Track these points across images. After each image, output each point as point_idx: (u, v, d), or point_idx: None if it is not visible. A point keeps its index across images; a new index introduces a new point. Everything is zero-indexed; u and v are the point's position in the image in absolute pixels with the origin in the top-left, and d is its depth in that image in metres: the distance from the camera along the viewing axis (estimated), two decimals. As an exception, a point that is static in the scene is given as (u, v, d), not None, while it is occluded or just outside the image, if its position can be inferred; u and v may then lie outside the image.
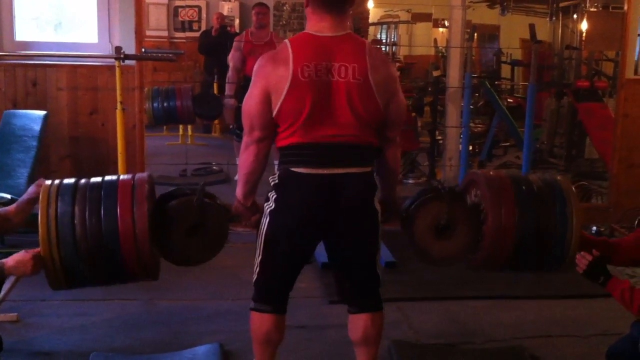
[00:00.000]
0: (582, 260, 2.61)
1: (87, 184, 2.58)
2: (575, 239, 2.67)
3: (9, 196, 3.79)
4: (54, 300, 3.61)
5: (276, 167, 2.63)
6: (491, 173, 2.81)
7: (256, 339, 2.68)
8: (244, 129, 2.63)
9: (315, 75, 2.51)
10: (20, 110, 4.62)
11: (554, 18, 9.78)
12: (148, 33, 8.59)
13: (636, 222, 5.09)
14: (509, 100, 9.55)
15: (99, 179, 2.62)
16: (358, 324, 2.70)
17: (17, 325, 3.38)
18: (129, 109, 4.62)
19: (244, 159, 2.63)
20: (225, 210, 2.76)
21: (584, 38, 8.44)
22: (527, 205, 2.68)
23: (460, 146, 6.44)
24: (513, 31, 11.12)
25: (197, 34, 9.60)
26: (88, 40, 5.04)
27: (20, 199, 2.84)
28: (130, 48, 4.67)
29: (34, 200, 2.69)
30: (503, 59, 10.52)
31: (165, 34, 9.78)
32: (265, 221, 2.60)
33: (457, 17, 6.65)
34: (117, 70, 4.27)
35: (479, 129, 8.35)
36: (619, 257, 2.84)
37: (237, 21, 9.80)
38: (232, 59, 6.58)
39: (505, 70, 10.68)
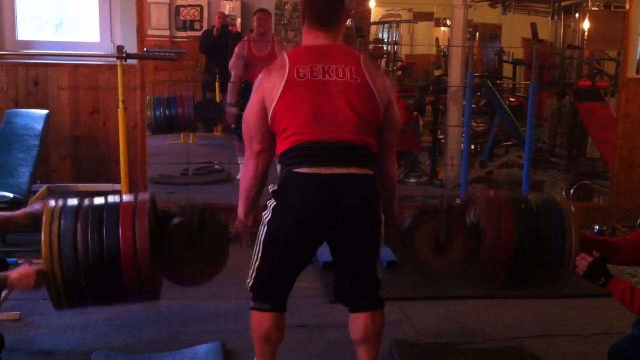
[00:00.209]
0: (582, 261, 2.61)
1: (90, 203, 2.61)
2: (573, 255, 2.68)
3: (11, 195, 3.79)
4: (55, 299, 3.61)
5: (278, 170, 2.64)
6: (490, 193, 2.83)
7: (256, 337, 2.69)
8: (244, 142, 2.68)
9: (311, 76, 2.54)
10: (22, 110, 4.63)
11: (555, 17, 9.77)
12: (149, 32, 8.57)
13: (638, 221, 5.10)
14: (510, 99, 9.53)
15: (102, 199, 2.65)
16: (358, 323, 2.70)
17: (18, 323, 3.39)
18: (130, 108, 4.63)
19: (244, 174, 2.71)
20: (226, 230, 2.77)
21: (585, 37, 8.43)
22: (525, 222, 2.70)
23: (462, 145, 6.44)
24: (514, 30, 11.10)
25: (198, 34, 9.61)
26: (89, 39, 5.05)
27: (27, 210, 2.87)
28: (131, 47, 4.67)
29: (39, 215, 2.70)
30: (504, 58, 10.51)
31: (166, 33, 9.78)
32: (262, 229, 2.58)
33: (459, 16, 6.65)
34: (119, 69, 4.28)
35: (481, 128, 8.34)
36: (619, 257, 2.84)
37: (238, 20, 9.80)
38: (233, 67, 6.58)
39: (507, 70, 10.67)
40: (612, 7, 8.22)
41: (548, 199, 2.81)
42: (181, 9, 9.89)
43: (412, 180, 7.04)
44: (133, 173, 4.73)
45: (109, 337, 3.33)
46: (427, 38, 12.72)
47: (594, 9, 8.65)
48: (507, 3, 10.29)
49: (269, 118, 2.57)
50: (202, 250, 2.67)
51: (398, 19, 13.39)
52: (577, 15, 9.13)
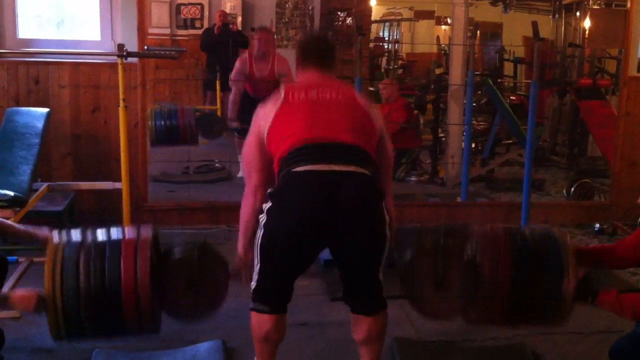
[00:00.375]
0: (568, 287, 2.63)
1: (94, 237, 2.66)
2: (571, 291, 2.68)
3: (11, 193, 3.79)
4: (56, 298, 3.61)
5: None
6: (487, 228, 2.85)
7: (256, 337, 2.68)
8: (244, 178, 2.76)
9: (306, 97, 2.65)
10: (23, 108, 4.63)
11: (556, 15, 9.76)
12: (150, 31, 8.58)
13: (639, 220, 5.09)
14: (511, 98, 9.53)
15: (105, 232, 2.69)
16: (360, 324, 2.69)
17: (19, 322, 3.38)
18: (131, 107, 4.62)
19: (243, 208, 2.74)
20: (226, 267, 2.80)
21: (586, 36, 8.44)
22: (522, 259, 2.70)
23: (463, 144, 6.44)
24: (515, 29, 11.10)
25: (199, 32, 9.60)
26: (90, 37, 5.05)
27: (30, 230, 2.97)
28: (132, 45, 4.67)
29: (42, 241, 2.78)
30: (505, 56, 10.51)
31: (167, 31, 9.77)
32: (259, 233, 2.56)
33: (460, 14, 6.65)
34: (120, 67, 4.27)
35: (481, 126, 8.34)
36: (619, 261, 2.86)
37: (239, 19, 9.79)
38: (234, 82, 6.59)
39: (508, 68, 10.67)
40: (613, 5, 8.23)
41: (545, 233, 2.83)
42: (182, 7, 9.88)
43: (412, 178, 7.04)
44: (134, 171, 4.73)
45: (110, 335, 3.33)
46: (428, 36, 12.72)
47: (595, 7, 8.65)
48: (508, 1, 10.29)
49: (266, 139, 2.63)
50: (202, 287, 2.71)
51: (399, 17, 13.39)
52: (578, 13, 9.13)
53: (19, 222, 3.77)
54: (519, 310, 2.69)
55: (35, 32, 5.17)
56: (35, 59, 4.88)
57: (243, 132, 6.74)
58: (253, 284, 2.63)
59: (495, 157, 7.55)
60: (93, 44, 4.98)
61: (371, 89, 8.70)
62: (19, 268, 3.63)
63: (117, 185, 4.45)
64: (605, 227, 5.36)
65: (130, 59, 4.40)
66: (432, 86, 8.95)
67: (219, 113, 8.89)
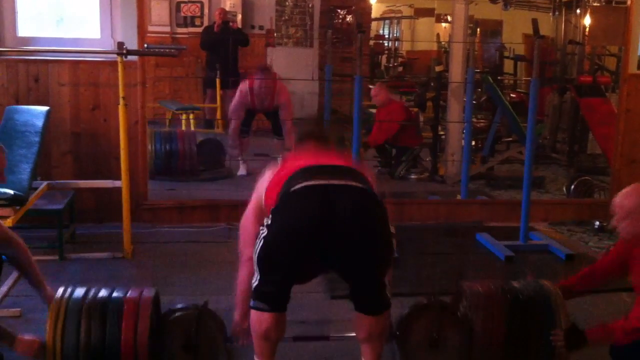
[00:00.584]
0: (558, 338, 2.71)
1: (96, 297, 2.74)
2: (565, 349, 2.74)
3: (11, 192, 3.78)
4: (56, 296, 3.61)
5: None
6: (479, 286, 2.90)
7: (256, 335, 2.68)
8: (240, 249, 2.82)
9: (305, 153, 2.79)
10: (23, 106, 4.62)
11: (556, 13, 9.75)
12: (150, 29, 8.58)
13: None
14: (511, 95, 9.53)
15: (107, 294, 2.76)
16: (363, 323, 2.68)
17: (19, 320, 3.38)
18: (131, 105, 4.62)
19: (239, 277, 2.82)
20: (223, 331, 2.87)
21: (586, 33, 8.42)
22: (512, 315, 2.77)
23: (463, 141, 6.44)
24: (516, 26, 11.10)
25: (199, 30, 9.60)
26: (90, 35, 5.04)
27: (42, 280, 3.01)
28: (132, 43, 4.67)
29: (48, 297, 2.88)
30: (505, 54, 10.51)
31: (167, 29, 9.76)
32: (259, 244, 2.56)
33: (460, 12, 6.65)
34: (119, 65, 4.27)
35: (482, 124, 8.34)
36: (600, 281, 3.00)
37: (239, 17, 9.78)
38: (233, 114, 6.65)
39: (508, 66, 10.67)
40: (613, 2, 8.23)
41: (537, 289, 2.88)
42: (182, 5, 9.88)
43: (413, 176, 7.04)
44: (134, 170, 4.73)
45: (110, 334, 3.32)
46: (428, 34, 12.72)
47: (595, 4, 8.64)
48: (508, -1, 10.27)
49: (264, 197, 2.68)
50: (200, 350, 2.77)
51: (399, 15, 13.39)
52: (578, 11, 9.12)
53: (19, 220, 3.78)
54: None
55: (35, 30, 5.16)
56: (35, 57, 4.88)
57: (244, 132, 6.79)
58: (254, 283, 2.63)
59: (495, 154, 7.55)
60: (93, 42, 4.97)
61: (371, 86, 8.69)
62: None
63: (117, 183, 4.45)
64: (605, 224, 5.35)
65: (130, 57, 4.40)
66: (432, 84, 8.95)
67: (218, 111, 8.91)
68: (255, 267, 2.60)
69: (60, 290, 2.77)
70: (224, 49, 8.43)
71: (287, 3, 10.06)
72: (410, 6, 12.89)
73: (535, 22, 9.16)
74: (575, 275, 3.03)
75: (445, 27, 11.85)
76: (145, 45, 4.97)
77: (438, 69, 8.71)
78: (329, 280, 3.80)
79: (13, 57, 4.87)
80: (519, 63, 10.61)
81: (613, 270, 2.92)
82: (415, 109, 8.18)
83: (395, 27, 13.95)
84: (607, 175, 6.42)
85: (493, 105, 8.00)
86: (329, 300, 3.78)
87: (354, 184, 2.56)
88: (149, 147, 5.82)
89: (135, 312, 2.67)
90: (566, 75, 8.73)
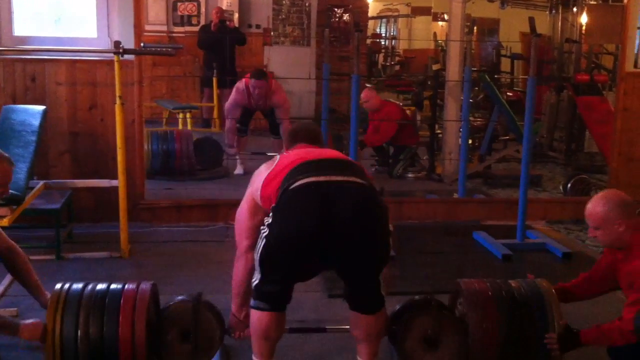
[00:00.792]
0: (551, 342, 2.71)
1: (94, 289, 2.76)
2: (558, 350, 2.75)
3: (8, 192, 3.77)
4: (53, 296, 3.60)
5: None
6: (475, 284, 2.91)
7: (255, 334, 2.68)
8: (236, 241, 2.83)
9: (299, 150, 2.79)
10: (19, 105, 4.61)
11: (553, 11, 9.77)
12: (147, 28, 8.57)
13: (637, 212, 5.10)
14: (508, 94, 9.55)
15: (105, 287, 2.78)
16: (359, 322, 2.70)
17: (16, 319, 3.37)
18: (128, 104, 4.61)
19: (235, 269, 2.84)
20: (220, 321, 2.88)
21: (583, 31, 8.44)
22: (509, 315, 2.78)
23: (460, 140, 6.44)
24: (513, 25, 11.11)
25: (196, 29, 9.59)
26: (87, 35, 5.03)
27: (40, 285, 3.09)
28: (129, 43, 4.66)
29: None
30: (503, 52, 10.52)
31: (164, 28, 9.75)
32: (260, 244, 2.57)
33: (457, 10, 6.64)
34: (116, 65, 4.26)
35: (479, 123, 8.35)
36: (597, 288, 2.98)
37: (236, 15, 9.78)
38: (229, 113, 6.65)
39: (505, 64, 10.68)
40: (610, 1, 8.24)
41: (532, 288, 2.89)
42: (178, 4, 9.87)
43: (410, 175, 7.04)
44: (131, 169, 4.73)
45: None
46: (425, 33, 12.74)
47: (592, 2, 8.66)
48: (505, -3, 10.29)
49: (261, 190, 2.67)
50: (195, 338, 2.79)
51: (396, 13, 13.39)
52: (575, 9, 9.13)
53: (16, 220, 3.77)
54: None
55: (32, 29, 5.15)
56: (32, 56, 4.87)
57: (241, 131, 6.79)
58: (255, 282, 2.64)
59: (492, 153, 7.55)
60: (89, 41, 4.96)
61: (368, 85, 8.70)
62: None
63: (114, 182, 4.44)
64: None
65: (126, 56, 4.39)
66: (430, 82, 8.96)
67: (216, 110, 8.91)
68: (257, 267, 2.61)
69: (59, 284, 2.78)
70: (221, 48, 8.41)
71: (284, 2, 10.06)
72: (407, 5, 12.90)
73: (532, 21, 9.16)
74: (576, 279, 3.02)
75: (442, 26, 11.86)
76: (142, 44, 4.96)
77: (435, 67, 8.73)
78: (327, 279, 3.80)
79: (10, 56, 4.86)
80: (516, 61, 10.62)
81: (607, 279, 2.91)
82: (413, 108, 8.17)
83: (392, 26, 13.95)
84: (604, 173, 6.43)
85: (490, 103, 8.01)
86: (327, 299, 3.78)
87: (353, 179, 2.56)
88: (146, 146, 5.81)
89: (133, 303, 2.69)
90: (563, 74, 8.75)
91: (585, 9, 8.33)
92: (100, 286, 2.78)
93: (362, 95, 6.88)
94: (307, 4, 10.07)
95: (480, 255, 4.68)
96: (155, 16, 9.66)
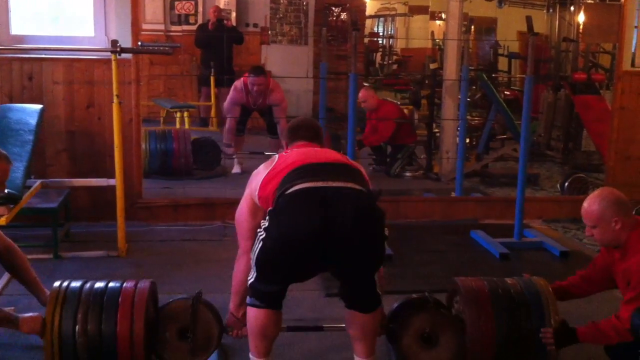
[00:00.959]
0: (547, 336, 2.72)
1: (93, 286, 2.78)
2: (554, 346, 2.76)
3: (5, 190, 3.77)
4: (50, 295, 3.60)
5: None
6: (472, 282, 2.92)
7: (251, 332, 2.69)
8: (238, 238, 2.84)
9: (298, 149, 2.80)
10: (16, 104, 4.61)
11: (551, 10, 9.77)
12: (144, 27, 8.54)
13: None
14: (506, 93, 9.54)
15: (103, 285, 2.79)
16: (355, 320, 2.71)
17: (15, 313, 3.37)
18: (125, 103, 4.61)
19: (236, 268, 2.85)
20: (218, 320, 2.90)
21: (581, 30, 8.43)
22: (504, 312, 2.80)
23: (457, 139, 6.44)
24: (510, 23, 11.10)
25: (193, 28, 9.58)
26: (84, 33, 5.02)
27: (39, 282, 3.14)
28: (126, 41, 4.66)
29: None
30: (500, 51, 10.51)
31: (161, 27, 9.73)
32: (257, 246, 2.58)
33: (454, 9, 6.64)
34: (113, 63, 4.26)
35: (476, 121, 8.35)
36: (595, 286, 3.00)
37: (233, 14, 9.77)
38: (228, 111, 6.63)
39: (502, 63, 10.67)
40: (607, 0, 8.23)
41: (528, 286, 2.90)
42: (176, 3, 9.86)
43: (408, 174, 7.05)
44: (128, 168, 4.73)
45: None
46: (422, 31, 12.71)
47: (589, 1, 8.65)
48: (502, -4, 10.29)
49: (259, 191, 2.68)
50: (195, 340, 2.80)
51: (393, 12, 13.38)
52: (572, 8, 9.13)
53: (13, 219, 3.76)
54: (505, 355, 2.79)
55: (29, 28, 5.14)
56: (29, 55, 4.86)
57: (239, 131, 6.79)
58: (250, 280, 2.64)
59: (490, 152, 7.56)
60: (87, 40, 4.96)
61: (366, 84, 8.70)
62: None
63: (112, 182, 4.44)
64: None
65: (124, 55, 4.39)
66: (427, 81, 8.95)
67: (213, 109, 8.90)
68: (253, 266, 2.61)
69: (58, 281, 2.80)
70: (219, 47, 8.40)
71: (281, 1, 10.05)
72: (404, 4, 12.88)
73: (529, 20, 9.16)
74: (572, 277, 3.03)
75: (439, 25, 11.84)
76: (139, 43, 4.96)
77: (433, 66, 8.73)
78: (324, 278, 3.80)
79: (7, 55, 4.85)
80: (513, 60, 10.62)
81: (604, 277, 2.92)
82: (410, 107, 8.17)
83: (390, 25, 13.94)
84: (601, 172, 6.44)
85: (488, 102, 8.01)
86: (324, 298, 3.78)
87: (350, 185, 2.56)
88: (144, 145, 5.81)
89: (132, 300, 2.70)
90: (560, 73, 8.74)
91: (583, 7, 8.32)
92: (99, 284, 2.79)
93: (360, 95, 6.89)
94: (304, 3, 10.07)
95: (478, 254, 4.69)
96: (152, 15, 9.65)
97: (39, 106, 4.50)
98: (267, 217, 2.56)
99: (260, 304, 2.63)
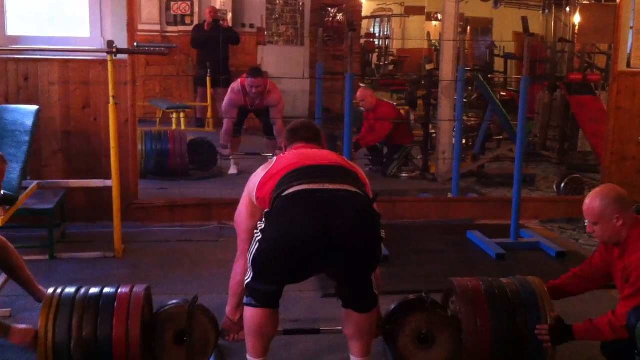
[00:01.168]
0: (543, 333, 2.73)
1: (88, 291, 2.76)
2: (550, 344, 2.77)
3: (1, 191, 3.76)
4: (47, 296, 3.59)
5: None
6: (468, 282, 2.93)
7: (249, 331, 2.69)
8: (237, 243, 2.83)
9: (296, 150, 2.81)
10: (12, 105, 4.60)
11: (546, 11, 9.79)
12: (140, 27, 8.53)
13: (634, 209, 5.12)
14: (502, 93, 9.57)
15: (99, 291, 2.78)
16: (352, 320, 2.71)
17: (9, 320, 3.36)
18: (121, 103, 4.60)
19: (234, 270, 2.84)
20: (214, 324, 2.89)
21: (576, 31, 8.46)
22: (501, 312, 2.81)
23: (454, 139, 6.45)
24: (506, 24, 11.14)
25: (189, 28, 9.58)
26: (80, 34, 5.01)
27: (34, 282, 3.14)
28: (122, 42, 4.65)
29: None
30: (496, 52, 10.54)
31: (157, 28, 9.73)
32: (254, 247, 2.58)
33: (450, 10, 6.65)
34: (109, 64, 4.25)
35: (472, 122, 8.36)
36: (589, 284, 3.01)
37: (229, 15, 9.77)
38: (226, 113, 6.62)
39: (498, 64, 10.70)
40: (603, 0, 8.25)
41: (523, 285, 2.91)
42: (172, 3, 9.85)
43: (404, 174, 7.05)
44: (124, 169, 4.72)
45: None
46: (418, 32, 12.74)
47: (585, 2, 8.68)
48: (498, -3, 10.30)
49: (256, 191, 2.68)
50: (189, 340, 2.79)
51: (389, 13, 13.40)
52: (568, 8, 9.15)
53: (9, 220, 3.76)
54: (501, 355, 2.80)
55: (25, 29, 5.13)
56: (25, 55, 4.85)
57: (236, 132, 6.78)
58: (247, 280, 2.64)
59: (486, 152, 7.57)
60: (82, 41, 4.95)
61: (362, 85, 8.70)
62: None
63: (108, 182, 4.43)
64: (595, 221, 5.36)
65: (120, 56, 4.38)
66: (423, 82, 8.97)
67: (209, 110, 8.90)
68: (249, 267, 2.62)
69: (52, 288, 2.78)
70: (215, 48, 8.41)
71: (277, 1, 10.05)
72: (400, 4, 12.90)
73: (525, 20, 9.19)
74: (566, 275, 3.04)
75: (435, 25, 11.86)
76: (135, 44, 4.95)
77: (429, 67, 8.72)
78: (321, 278, 3.80)
79: (2, 55, 4.84)
80: (509, 61, 10.64)
81: (599, 274, 2.93)
82: (407, 107, 8.18)
83: (386, 26, 13.96)
84: (597, 172, 6.45)
85: (484, 103, 8.02)
86: (321, 299, 3.78)
87: (347, 187, 2.56)
88: (140, 146, 5.80)
89: (127, 305, 2.69)
90: (556, 73, 8.76)
91: (578, 8, 8.34)
92: (94, 290, 2.77)
93: (358, 94, 6.92)
94: (300, 4, 10.07)
95: (474, 255, 4.69)
96: (148, 15, 9.64)
97: (34, 107, 4.49)
98: (264, 219, 2.56)
99: (257, 303, 2.63)
